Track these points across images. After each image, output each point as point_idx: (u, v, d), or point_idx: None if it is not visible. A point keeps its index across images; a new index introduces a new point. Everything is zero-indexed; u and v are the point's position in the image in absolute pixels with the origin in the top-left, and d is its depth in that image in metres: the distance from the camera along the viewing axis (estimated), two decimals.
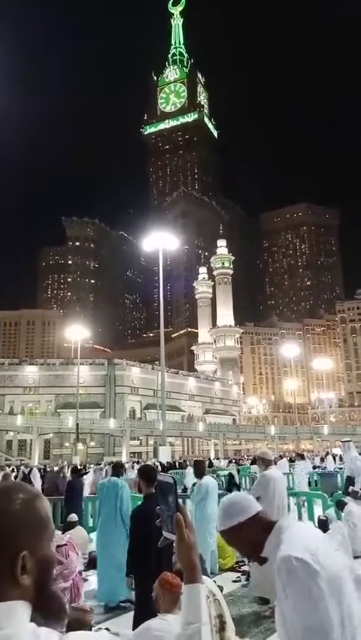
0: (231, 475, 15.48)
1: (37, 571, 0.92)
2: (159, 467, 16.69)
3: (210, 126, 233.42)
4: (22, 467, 24.66)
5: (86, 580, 7.57)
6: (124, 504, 6.97)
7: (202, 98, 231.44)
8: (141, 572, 4.36)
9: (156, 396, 67.65)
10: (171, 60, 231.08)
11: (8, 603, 0.88)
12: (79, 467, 16.58)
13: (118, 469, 7.84)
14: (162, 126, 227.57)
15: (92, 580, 8.21)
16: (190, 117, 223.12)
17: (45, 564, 0.94)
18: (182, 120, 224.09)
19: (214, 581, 5.68)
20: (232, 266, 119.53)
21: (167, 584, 3.92)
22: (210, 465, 29.51)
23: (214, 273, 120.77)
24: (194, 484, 8.54)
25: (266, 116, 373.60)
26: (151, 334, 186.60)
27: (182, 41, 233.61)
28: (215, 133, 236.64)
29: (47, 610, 0.92)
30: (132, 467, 23.66)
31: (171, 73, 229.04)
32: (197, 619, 1.12)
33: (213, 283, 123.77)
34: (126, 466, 22.44)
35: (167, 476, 1.22)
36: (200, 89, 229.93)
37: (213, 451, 67.08)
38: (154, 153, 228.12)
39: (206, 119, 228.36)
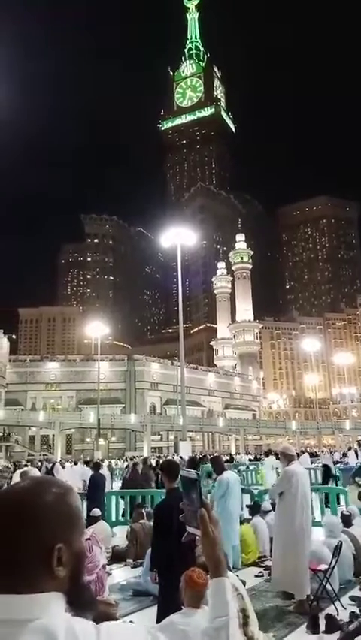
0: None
1: (71, 563, 0.95)
2: (149, 462, 16.69)
3: (227, 120, 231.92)
4: (45, 462, 25.00)
5: (109, 574, 7.65)
6: None
7: (219, 91, 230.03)
8: (164, 566, 4.39)
9: (176, 392, 67.75)
10: (187, 54, 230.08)
11: (45, 594, 0.90)
12: (99, 462, 16.72)
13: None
14: (178, 121, 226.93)
15: (116, 574, 8.29)
16: (207, 111, 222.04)
17: (78, 557, 0.97)
18: (199, 115, 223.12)
19: (237, 576, 5.70)
20: (250, 260, 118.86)
21: (192, 583, 3.94)
22: (231, 460, 29.53)
23: (233, 267, 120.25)
24: (214, 479, 8.54)
25: (284, 109, 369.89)
26: (170, 330, 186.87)
27: (198, 35, 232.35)
28: (232, 127, 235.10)
29: (78, 601, 0.94)
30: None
31: (187, 67, 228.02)
32: (225, 612, 1.13)
33: (232, 278, 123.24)
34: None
35: (190, 472, 1.22)
36: (216, 82, 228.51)
37: (233, 446, 67.05)
38: (171, 149, 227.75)
39: (223, 113, 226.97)
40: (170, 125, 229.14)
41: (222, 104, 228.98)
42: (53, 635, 0.84)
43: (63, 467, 21.90)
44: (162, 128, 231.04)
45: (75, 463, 25.95)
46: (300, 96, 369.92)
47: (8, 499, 0.94)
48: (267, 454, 25.12)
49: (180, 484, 1.21)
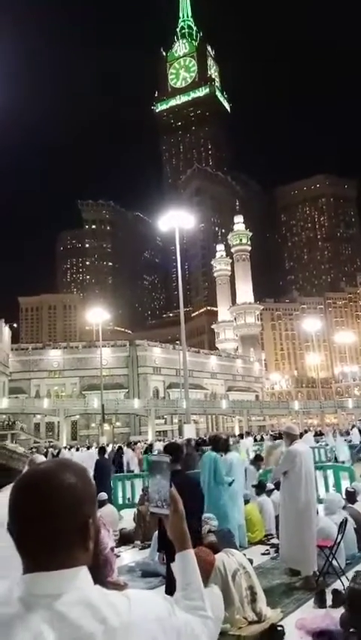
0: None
1: (95, 538, 1.00)
2: (193, 443, 16.92)
3: (223, 100, 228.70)
4: (50, 449, 25.22)
5: (118, 556, 7.75)
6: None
7: (213, 71, 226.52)
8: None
9: (179, 376, 68.06)
10: (179, 34, 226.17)
11: (81, 567, 0.94)
12: (105, 446, 16.86)
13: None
14: (173, 102, 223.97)
15: (124, 556, 8.41)
16: (201, 91, 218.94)
17: (98, 531, 1.02)
18: (193, 95, 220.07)
19: (244, 554, 5.77)
20: (249, 242, 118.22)
21: (199, 561, 3.99)
22: (240, 439, 29.71)
23: (232, 250, 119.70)
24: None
25: (280, 87, 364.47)
26: (171, 314, 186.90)
27: (190, 14, 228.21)
28: (227, 106, 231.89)
29: (98, 574, 1.04)
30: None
31: (180, 47, 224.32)
32: (194, 580, 1.22)
33: (231, 260, 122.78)
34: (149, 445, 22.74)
35: (162, 456, 1.32)
36: (210, 62, 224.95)
37: (237, 428, 67.51)
38: (166, 131, 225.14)
39: (218, 93, 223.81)
40: (164, 106, 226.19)
41: (217, 84, 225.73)
42: (95, 606, 0.89)
43: (73, 450, 22.10)
44: (157, 110, 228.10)
45: (77, 449, 26.22)
46: (296, 74, 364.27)
47: (44, 478, 0.96)
48: (242, 436, 25.05)
49: (149, 468, 1.28)
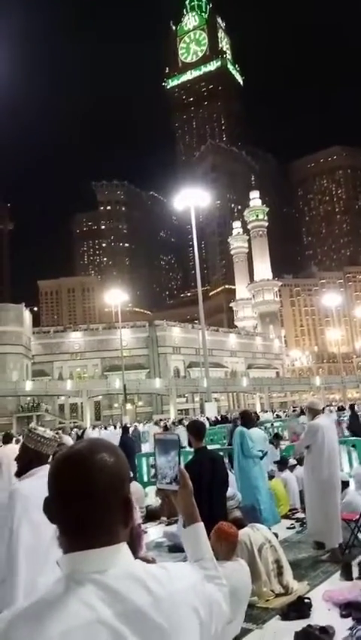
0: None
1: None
2: (207, 423, 17.15)
3: (235, 72, 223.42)
4: (75, 429, 25.68)
5: (145, 532, 7.90)
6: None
7: (224, 43, 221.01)
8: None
9: (199, 355, 68.26)
10: (189, 7, 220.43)
11: (123, 543, 0.97)
12: (128, 426, 17.10)
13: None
14: (184, 78, 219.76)
15: (151, 532, 8.57)
16: (213, 65, 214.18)
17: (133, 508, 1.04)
18: (204, 69, 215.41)
19: (269, 529, 5.82)
20: (266, 218, 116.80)
21: (223, 534, 4.03)
22: (257, 418, 29.79)
23: (249, 226, 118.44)
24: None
25: (293, 57, 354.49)
26: (189, 294, 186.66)
27: None
28: (240, 79, 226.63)
29: (133, 550, 1.01)
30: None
31: (190, 20, 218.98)
32: (206, 550, 1.25)
33: (248, 237, 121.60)
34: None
35: (168, 434, 1.33)
36: (221, 34, 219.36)
37: (258, 404, 67.72)
38: (178, 107, 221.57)
39: (230, 66, 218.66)
40: (175, 82, 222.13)
41: (228, 57, 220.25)
42: (141, 579, 0.93)
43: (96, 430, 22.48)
44: (168, 87, 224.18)
45: (105, 428, 26.71)
46: (310, 39, 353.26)
47: (87, 458, 0.98)
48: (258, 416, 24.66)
49: (156, 445, 1.30)
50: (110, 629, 0.85)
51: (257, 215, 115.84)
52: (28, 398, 57.35)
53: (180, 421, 22.71)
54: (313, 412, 6.54)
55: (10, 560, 2.60)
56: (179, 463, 1.28)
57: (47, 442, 2.77)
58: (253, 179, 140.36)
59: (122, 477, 1.00)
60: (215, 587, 1.14)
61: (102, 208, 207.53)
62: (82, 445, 1.01)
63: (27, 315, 68.77)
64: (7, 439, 8.78)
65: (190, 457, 5.05)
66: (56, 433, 2.92)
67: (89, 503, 0.94)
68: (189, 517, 1.29)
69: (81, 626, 0.84)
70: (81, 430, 23.66)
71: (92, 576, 0.90)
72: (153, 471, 11.20)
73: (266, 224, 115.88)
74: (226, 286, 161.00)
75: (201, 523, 1.30)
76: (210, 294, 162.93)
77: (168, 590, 0.94)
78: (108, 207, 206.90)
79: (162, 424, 26.98)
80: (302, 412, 21.76)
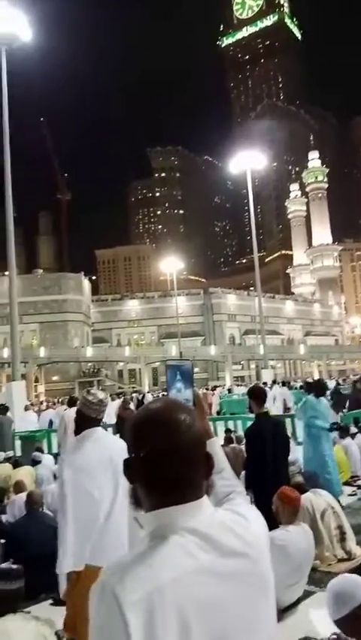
0: None
1: None
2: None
3: (293, 27, 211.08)
4: (135, 394, 26.47)
5: None
6: None
7: None
8: (258, 488, 4.51)
9: (254, 322, 67.78)
10: None
11: (205, 495, 1.01)
12: None
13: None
14: (239, 35, 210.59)
15: None
16: (269, 20, 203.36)
17: None
18: (261, 25, 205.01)
19: (335, 498, 5.77)
20: (326, 179, 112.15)
21: (286, 498, 4.04)
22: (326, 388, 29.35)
23: (307, 189, 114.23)
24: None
25: (355, 6, 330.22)
26: (244, 260, 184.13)
27: None
28: (298, 34, 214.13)
29: None
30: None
31: None
32: (225, 465, 1.31)
33: (306, 200, 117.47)
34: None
35: (183, 360, 1.37)
36: None
37: (316, 372, 66.75)
38: (234, 66, 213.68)
39: (287, 20, 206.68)
40: (230, 40, 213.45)
41: (286, 10, 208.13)
42: (228, 525, 0.99)
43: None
44: (223, 45, 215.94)
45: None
46: None
47: (172, 415, 1.00)
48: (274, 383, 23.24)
49: (168, 371, 1.32)
50: (213, 573, 0.90)
51: (316, 177, 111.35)
52: (89, 364, 59.43)
53: (266, 383, 21.87)
54: None
55: (61, 527, 2.73)
56: (192, 386, 1.32)
57: (93, 407, 2.92)
58: (311, 138, 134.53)
59: (201, 433, 1.03)
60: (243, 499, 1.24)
61: (157, 175, 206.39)
62: (161, 406, 1.04)
63: (86, 284, 70.58)
64: (72, 403, 9.16)
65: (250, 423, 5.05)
66: (112, 400, 3.07)
67: (180, 462, 0.96)
68: (205, 434, 1.30)
69: (188, 573, 0.88)
70: (141, 395, 24.33)
71: (187, 527, 0.94)
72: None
73: (326, 186, 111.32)
74: (283, 252, 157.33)
75: (216, 438, 1.35)
76: (267, 260, 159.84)
77: (251, 531, 1.00)
78: (163, 174, 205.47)
79: (217, 391, 27.45)
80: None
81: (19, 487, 6.13)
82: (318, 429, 7.00)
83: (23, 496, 5.40)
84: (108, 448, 2.91)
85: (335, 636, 3.24)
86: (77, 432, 2.95)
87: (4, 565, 2.85)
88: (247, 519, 1.03)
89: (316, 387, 7.65)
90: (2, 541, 4.52)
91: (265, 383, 21.81)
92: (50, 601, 4.15)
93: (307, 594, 4.11)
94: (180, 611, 0.85)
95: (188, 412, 1.03)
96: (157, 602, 0.83)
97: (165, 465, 0.96)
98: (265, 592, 0.98)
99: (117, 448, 2.88)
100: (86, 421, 2.92)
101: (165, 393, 1.39)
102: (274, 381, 24.05)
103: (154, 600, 0.83)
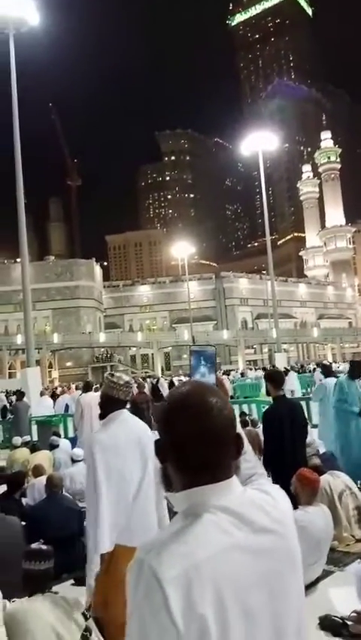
0: None
1: None
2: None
3: (303, 3, 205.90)
4: (149, 378, 26.62)
5: None
6: None
7: None
8: (276, 470, 4.52)
9: (267, 306, 67.43)
10: None
11: (234, 475, 1.03)
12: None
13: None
14: (249, 13, 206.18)
15: None
16: None
17: None
18: (271, 2, 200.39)
19: (355, 481, 5.76)
20: (339, 159, 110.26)
21: (305, 479, 4.05)
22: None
23: (320, 169, 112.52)
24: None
25: None
26: (256, 243, 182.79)
27: None
28: (309, 11, 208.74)
29: None
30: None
31: None
32: (247, 449, 1.30)
33: (319, 181, 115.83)
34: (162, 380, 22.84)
35: (205, 345, 1.41)
36: None
37: (330, 355, 66.47)
38: (243, 46, 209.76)
39: None
40: (240, 19, 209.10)
41: None
42: (257, 503, 1.01)
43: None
44: (232, 24, 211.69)
45: (185, 376, 27.51)
46: None
47: (205, 397, 1.02)
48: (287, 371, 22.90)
49: (192, 357, 1.34)
50: (246, 550, 0.93)
51: (329, 157, 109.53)
52: (102, 349, 59.78)
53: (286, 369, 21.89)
54: None
55: (94, 507, 2.72)
56: (215, 371, 1.35)
57: (122, 389, 2.92)
58: (324, 118, 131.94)
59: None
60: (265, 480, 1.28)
61: (166, 159, 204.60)
62: (191, 389, 1.05)
63: (97, 270, 70.67)
64: (87, 388, 9.22)
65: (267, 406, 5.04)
66: (130, 380, 3.08)
67: (211, 444, 0.98)
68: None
69: (223, 550, 0.91)
70: (155, 379, 24.45)
71: (219, 505, 0.96)
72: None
73: (339, 166, 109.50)
74: (295, 234, 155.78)
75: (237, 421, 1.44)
76: (279, 243, 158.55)
77: (279, 508, 1.03)
78: (172, 157, 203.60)
79: (231, 375, 27.55)
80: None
81: (37, 470, 6.23)
82: (343, 412, 6.71)
83: (43, 479, 5.49)
84: (136, 429, 2.95)
85: (355, 614, 3.26)
86: (103, 415, 2.96)
87: (34, 545, 2.88)
88: (274, 497, 1.05)
89: (354, 368, 6.90)
90: (23, 523, 4.59)
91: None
92: (72, 581, 4.22)
93: (326, 574, 4.14)
94: (216, 586, 0.87)
95: (219, 394, 1.04)
96: (194, 578, 0.86)
97: (196, 447, 0.98)
98: (293, 567, 1.00)
99: (145, 429, 2.94)
100: (113, 403, 2.94)
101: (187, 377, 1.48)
102: (286, 369, 23.77)
103: (191, 576, 0.86)
